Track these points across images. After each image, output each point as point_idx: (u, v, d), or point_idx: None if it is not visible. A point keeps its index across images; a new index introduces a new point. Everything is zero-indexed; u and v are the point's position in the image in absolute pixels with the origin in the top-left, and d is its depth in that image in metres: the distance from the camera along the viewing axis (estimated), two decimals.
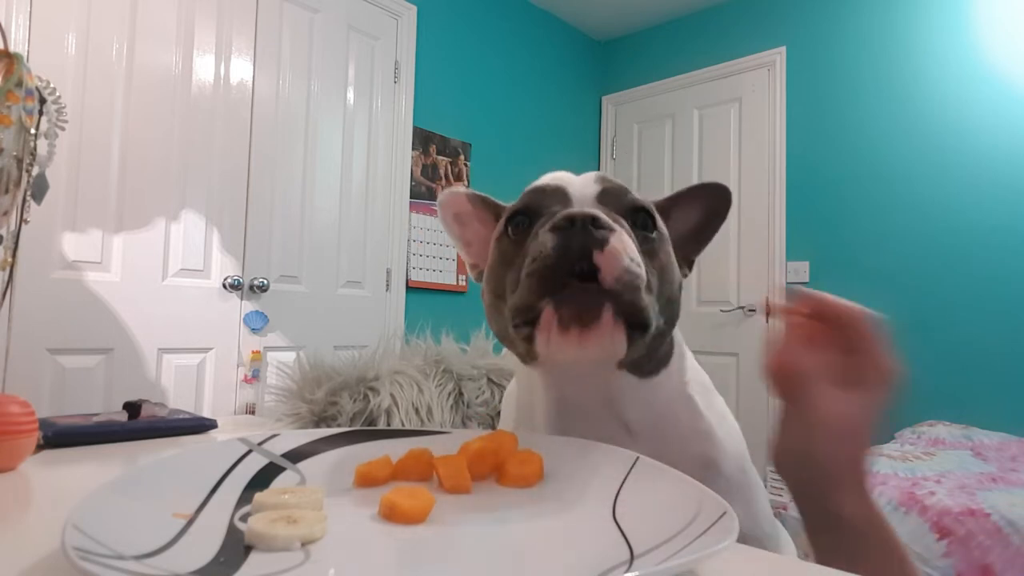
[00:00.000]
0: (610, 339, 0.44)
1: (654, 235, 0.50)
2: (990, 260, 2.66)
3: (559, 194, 0.50)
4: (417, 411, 0.86)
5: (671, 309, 0.50)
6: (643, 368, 0.51)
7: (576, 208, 0.47)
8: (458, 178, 3.14)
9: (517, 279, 0.46)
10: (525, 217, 0.50)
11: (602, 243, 0.43)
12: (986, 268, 2.67)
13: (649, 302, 0.45)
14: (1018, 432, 2.41)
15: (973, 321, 2.68)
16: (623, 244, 0.44)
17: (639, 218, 0.50)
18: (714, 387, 0.58)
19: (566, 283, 0.43)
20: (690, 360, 0.57)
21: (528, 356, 0.48)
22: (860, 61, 3.06)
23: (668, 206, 0.57)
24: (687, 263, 0.57)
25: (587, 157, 3.91)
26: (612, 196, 0.50)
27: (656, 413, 0.52)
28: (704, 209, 0.58)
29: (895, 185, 2.92)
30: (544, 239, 0.44)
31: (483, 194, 0.60)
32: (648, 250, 0.48)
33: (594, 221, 0.44)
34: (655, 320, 0.46)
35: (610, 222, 0.45)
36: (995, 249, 2.65)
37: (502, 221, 0.52)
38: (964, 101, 2.77)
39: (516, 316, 0.46)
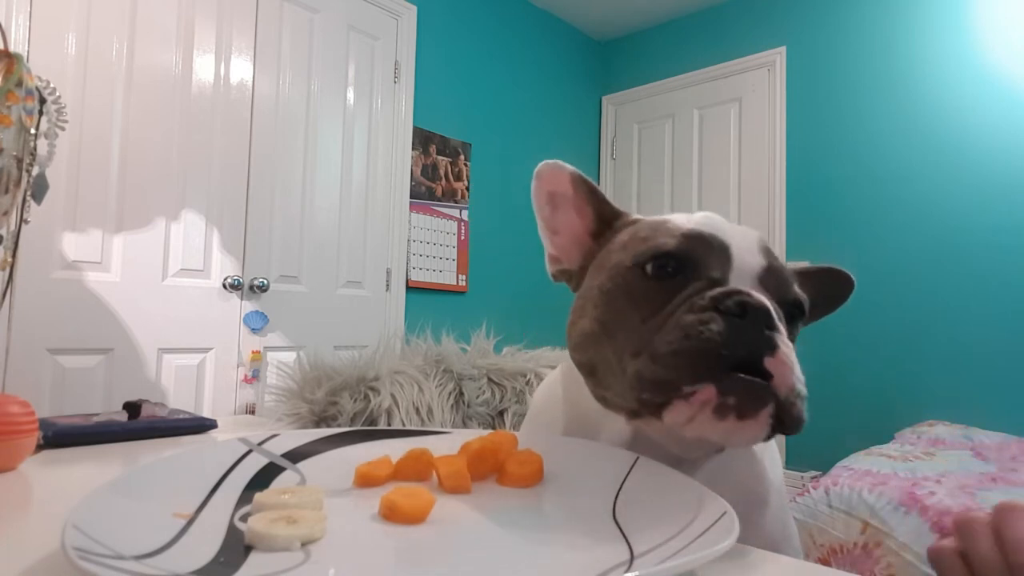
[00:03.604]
0: (758, 435, 0.41)
1: (798, 329, 0.47)
2: (990, 260, 2.66)
3: (722, 252, 0.45)
4: (417, 411, 0.86)
5: None
6: None
7: (737, 278, 0.44)
8: (458, 178, 3.13)
9: (643, 325, 0.43)
10: (675, 261, 0.44)
11: (773, 347, 0.39)
12: (986, 268, 2.67)
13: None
14: (1018, 432, 2.41)
15: (973, 321, 2.68)
16: (791, 351, 0.41)
17: (792, 311, 0.46)
18: None
19: (730, 373, 0.39)
20: None
21: (638, 413, 0.44)
22: (860, 61, 3.06)
23: None
24: None
25: (587, 157, 3.91)
26: (775, 279, 0.45)
27: (719, 459, 0.50)
28: (818, 293, 0.53)
29: (895, 185, 2.92)
30: (708, 319, 0.40)
31: (592, 181, 0.53)
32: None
33: (767, 318, 0.40)
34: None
35: (778, 322, 0.41)
36: (995, 249, 2.65)
37: (640, 253, 0.46)
38: (964, 101, 2.77)
39: (650, 389, 0.41)
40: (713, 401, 0.39)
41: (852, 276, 0.55)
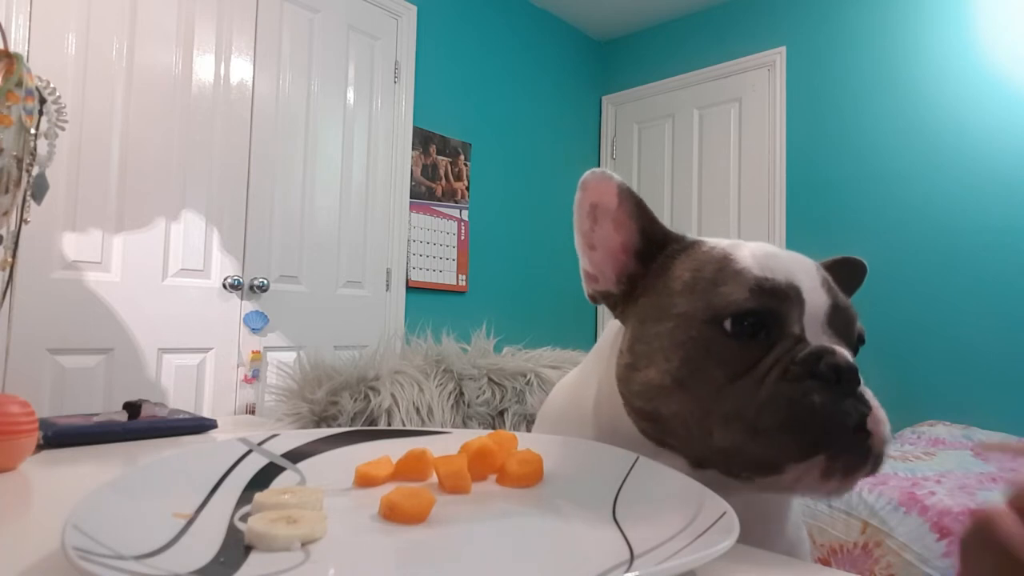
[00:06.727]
0: (854, 486, 0.42)
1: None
2: (990, 260, 2.66)
3: (796, 298, 0.44)
4: (418, 411, 0.86)
5: None
6: None
7: (810, 324, 0.43)
8: (458, 178, 3.13)
9: (730, 386, 0.42)
10: (754, 318, 0.43)
11: (868, 407, 0.40)
12: (986, 268, 2.67)
13: None
14: (1018, 432, 2.41)
15: (973, 321, 2.68)
16: (877, 402, 0.41)
17: (856, 346, 0.47)
18: None
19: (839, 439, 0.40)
20: None
21: (706, 465, 0.44)
22: (860, 61, 3.06)
23: None
24: None
25: (587, 157, 3.91)
26: (841, 318, 0.45)
27: None
28: (840, 287, 0.53)
29: (895, 185, 2.92)
30: (808, 390, 0.40)
31: (638, 196, 0.50)
32: None
33: (856, 377, 0.41)
34: None
35: (859, 375, 0.42)
36: (995, 249, 2.65)
37: (715, 309, 0.43)
38: (964, 101, 2.77)
39: (753, 468, 0.41)
40: (822, 465, 0.39)
41: (864, 262, 0.57)
